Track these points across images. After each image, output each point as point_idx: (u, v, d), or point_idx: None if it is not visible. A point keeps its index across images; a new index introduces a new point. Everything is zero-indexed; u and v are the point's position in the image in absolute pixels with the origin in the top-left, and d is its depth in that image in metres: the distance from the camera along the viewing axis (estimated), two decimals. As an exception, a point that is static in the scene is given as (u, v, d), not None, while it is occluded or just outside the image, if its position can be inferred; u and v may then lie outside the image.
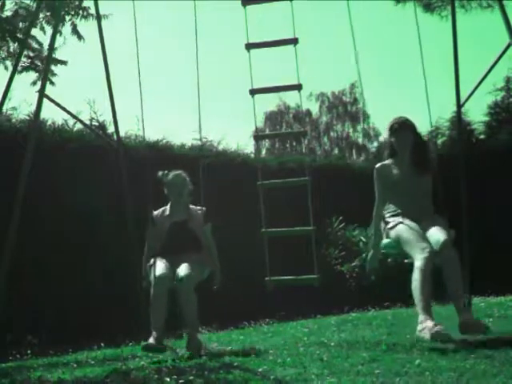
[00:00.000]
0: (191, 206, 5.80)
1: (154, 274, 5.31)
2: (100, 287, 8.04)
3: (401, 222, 5.02)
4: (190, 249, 5.55)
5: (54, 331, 7.00)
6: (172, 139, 10.29)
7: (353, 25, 5.50)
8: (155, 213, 5.78)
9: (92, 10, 9.45)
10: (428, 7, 10.83)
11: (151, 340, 5.18)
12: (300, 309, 8.47)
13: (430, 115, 5.73)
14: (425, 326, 4.61)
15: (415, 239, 4.87)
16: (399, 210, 5.14)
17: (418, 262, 4.79)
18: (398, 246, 5.12)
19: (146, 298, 5.52)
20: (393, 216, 5.16)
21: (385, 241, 5.23)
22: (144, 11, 6.63)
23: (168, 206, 5.81)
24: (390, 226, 5.10)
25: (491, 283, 9.34)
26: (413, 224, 4.98)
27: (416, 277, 4.80)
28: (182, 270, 5.32)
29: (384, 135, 5.03)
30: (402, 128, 5.16)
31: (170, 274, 5.35)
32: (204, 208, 5.78)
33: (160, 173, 5.87)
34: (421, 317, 4.71)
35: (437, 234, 4.88)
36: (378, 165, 5.27)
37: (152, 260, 5.48)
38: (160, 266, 5.36)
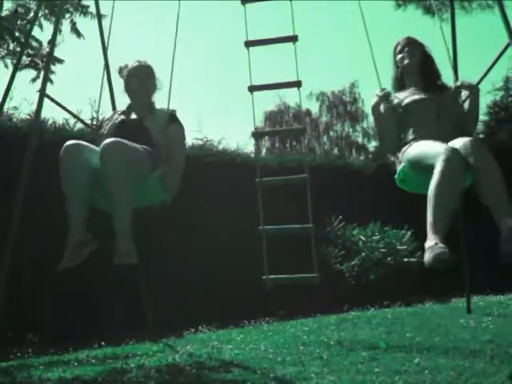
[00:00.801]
0: (157, 107, 4.60)
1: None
2: (100, 286, 8.04)
3: (414, 140, 4.15)
4: (141, 141, 4.22)
5: (54, 330, 7.00)
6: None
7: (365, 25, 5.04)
8: (107, 116, 4.76)
9: (91, 9, 9.47)
10: (428, 10, 10.89)
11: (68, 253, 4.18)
12: (300, 308, 8.47)
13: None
14: (431, 245, 3.49)
15: (434, 145, 3.81)
16: (415, 135, 4.21)
17: (443, 156, 3.63)
18: (415, 168, 4.07)
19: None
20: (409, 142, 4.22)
21: (401, 166, 4.20)
22: (145, 11, 6.63)
23: (126, 107, 4.65)
24: (405, 149, 4.18)
25: (490, 282, 9.36)
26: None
27: (438, 173, 3.61)
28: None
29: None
30: (411, 46, 4.49)
31: (90, 149, 4.11)
32: (174, 110, 4.51)
33: (118, 67, 4.81)
34: (432, 234, 3.58)
35: (461, 139, 3.80)
36: (376, 96, 4.35)
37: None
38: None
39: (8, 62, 9.99)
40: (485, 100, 14.48)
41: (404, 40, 4.55)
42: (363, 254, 9.85)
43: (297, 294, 8.35)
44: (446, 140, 3.85)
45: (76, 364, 5.08)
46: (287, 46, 6.12)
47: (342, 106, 36.68)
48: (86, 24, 9.72)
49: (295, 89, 6.01)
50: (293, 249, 8.52)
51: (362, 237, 10.14)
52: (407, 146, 4.17)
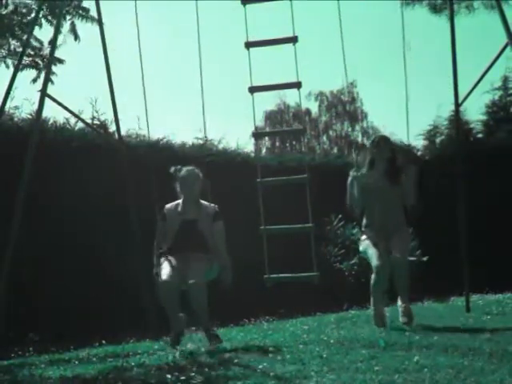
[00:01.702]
0: (203, 202, 5.83)
1: (160, 278, 5.46)
2: (101, 285, 8.06)
3: (367, 239, 6.03)
4: (199, 248, 5.62)
5: (55, 328, 7.02)
6: (173, 138, 10.33)
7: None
8: (167, 206, 5.84)
9: (92, 12, 9.48)
10: (434, 9, 10.94)
11: (173, 336, 5.56)
12: (299, 306, 8.50)
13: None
14: (374, 321, 5.92)
15: (375, 257, 5.85)
16: (373, 223, 6.04)
17: (374, 276, 5.88)
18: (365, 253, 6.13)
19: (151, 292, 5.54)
20: (366, 227, 6.14)
21: (360, 248, 6.24)
22: (146, 10, 6.65)
23: (180, 201, 5.83)
24: (362, 238, 6.19)
25: (489, 281, 9.39)
26: (375, 243, 5.94)
27: (372, 284, 5.94)
28: (191, 276, 5.41)
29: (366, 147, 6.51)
30: (383, 142, 6.07)
31: (176, 279, 5.43)
32: (216, 205, 5.83)
33: (172, 168, 5.86)
34: (372, 307, 5.99)
35: (395, 254, 5.83)
36: (353, 172, 6.10)
37: (162, 259, 5.63)
38: (166, 270, 5.48)
39: (9, 62, 10.02)
40: (483, 99, 14.52)
41: (380, 139, 6.21)
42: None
43: (297, 293, 8.38)
44: (394, 217, 5.99)
45: (77, 362, 5.09)
46: (287, 45, 6.15)
47: (341, 106, 36.67)
48: (87, 25, 9.77)
49: (295, 89, 6.05)
50: (293, 248, 8.55)
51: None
52: (362, 237, 6.17)
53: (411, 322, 5.79)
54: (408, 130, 6.68)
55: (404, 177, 6.02)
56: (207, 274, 5.59)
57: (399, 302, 5.95)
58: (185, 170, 5.82)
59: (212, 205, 5.83)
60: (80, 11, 9.67)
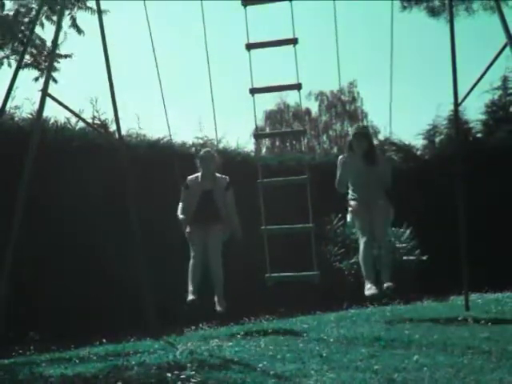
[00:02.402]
0: (217, 175, 7.15)
1: (192, 251, 6.89)
2: (102, 284, 8.07)
3: (357, 209, 6.84)
4: (215, 217, 6.98)
5: (55, 328, 7.03)
6: (173, 137, 10.33)
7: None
8: (189, 178, 7.18)
9: (90, 4, 9.50)
10: (432, 12, 10.96)
11: (190, 297, 6.57)
12: (300, 305, 8.52)
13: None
14: (367, 288, 6.45)
15: (361, 227, 6.80)
16: (356, 196, 6.87)
17: (361, 246, 6.73)
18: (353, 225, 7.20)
19: (151, 293, 5.52)
20: (352, 200, 6.93)
21: (348, 218, 7.16)
22: (148, 10, 6.67)
23: (199, 175, 7.15)
24: (349, 209, 7.00)
25: (489, 280, 9.40)
26: (363, 214, 6.78)
27: (360, 255, 6.76)
28: (211, 250, 6.86)
29: (348, 138, 7.40)
30: (361, 134, 6.94)
31: (200, 251, 6.88)
32: (227, 177, 7.13)
33: (194, 149, 8.31)
34: (365, 282, 6.55)
35: (376, 228, 6.74)
36: (341, 156, 7.02)
37: (188, 228, 7.00)
38: (195, 243, 6.92)
39: (12, 61, 10.04)
40: (483, 99, 14.51)
41: (358, 131, 7.06)
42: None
43: (297, 292, 8.39)
44: (373, 191, 6.75)
45: (77, 361, 5.10)
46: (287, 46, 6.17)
47: (341, 106, 36.70)
48: (88, 24, 9.79)
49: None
50: (293, 247, 8.57)
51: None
52: (350, 209, 6.98)
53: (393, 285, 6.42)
54: (391, 125, 7.50)
55: (381, 162, 6.99)
56: (223, 238, 7.03)
57: (383, 280, 6.57)
58: (203, 151, 7.37)
59: (224, 176, 7.15)
60: (79, 4, 9.67)
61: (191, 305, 6.53)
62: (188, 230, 7.04)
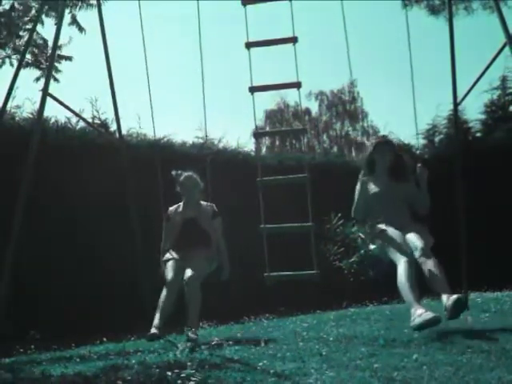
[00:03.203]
0: (202, 202, 6.43)
1: (166, 277, 5.99)
2: (102, 283, 8.09)
3: (384, 230, 5.64)
4: (200, 243, 6.19)
5: (57, 326, 7.05)
6: (173, 137, 10.36)
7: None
8: (170, 209, 6.46)
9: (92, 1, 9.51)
10: (433, 10, 10.99)
11: (153, 330, 5.68)
12: (299, 304, 8.54)
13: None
14: (418, 314, 5.04)
15: (397, 247, 5.51)
16: (380, 219, 5.77)
17: (401, 267, 5.37)
18: (383, 251, 5.73)
19: (151, 293, 5.57)
20: (376, 224, 5.78)
21: (372, 246, 5.92)
22: (148, 10, 6.68)
23: (182, 203, 6.45)
24: (375, 233, 5.78)
25: (488, 279, 9.42)
26: (395, 231, 5.60)
27: (400, 279, 5.33)
28: (189, 272, 5.91)
29: (366, 151, 6.52)
30: (384, 145, 6.02)
31: (179, 278, 5.92)
32: (213, 204, 6.42)
33: (173, 172, 6.47)
34: (412, 309, 5.16)
35: (414, 241, 5.54)
36: (362, 176, 5.99)
37: (166, 255, 6.22)
38: (171, 269, 6.03)
39: (14, 61, 10.06)
40: (482, 99, 14.55)
41: (381, 141, 6.12)
42: (362, 251, 9.89)
43: (296, 291, 8.41)
44: (400, 217, 5.71)
45: (78, 360, 5.11)
46: (287, 44, 6.17)
47: (341, 105, 36.70)
48: (89, 24, 9.80)
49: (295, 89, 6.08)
50: (293, 246, 8.58)
51: (360, 234, 10.20)
52: (375, 227, 5.77)
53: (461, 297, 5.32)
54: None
55: (412, 178, 5.94)
56: (207, 267, 6.16)
57: (442, 297, 5.35)
58: (184, 175, 6.41)
59: (210, 204, 6.42)
60: (79, 2, 9.70)
61: (151, 338, 5.69)
62: (166, 256, 6.27)
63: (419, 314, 5.02)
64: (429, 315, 4.95)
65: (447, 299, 5.19)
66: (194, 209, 6.36)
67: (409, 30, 6.33)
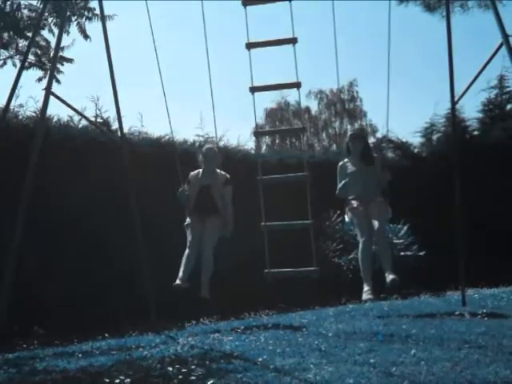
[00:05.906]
0: (218, 171, 7.27)
1: (188, 238, 6.93)
2: (104, 279, 8.12)
3: (355, 208, 6.99)
4: (212, 210, 7.06)
5: (59, 322, 7.07)
6: (174, 135, 10.37)
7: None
8: (191, 174, 7.30)
9: (97, 11, 9.55)
10: (428, 7, 10.98)
11: (178, 282, 6.47)
12: (299, 300, 8.57)
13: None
14: (364, 291, 6.59)
15: (360, 227, 6.96)
16: (354, 195, 7.03)
17: (360, 245, 6.87)
18: (352, 224, 7.40)
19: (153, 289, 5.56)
20: (351, 200, 7.09)
21: (346, 218, 7.33)
22: (150, 8, 6.72)
23: (201, 170, 7.28)
24: (348, 208, 7.16)
25: (485, 275, 9.47)
26: (361, 213, 6.95)
27: (359, 255, 6.90)
28: (205, 242, 6.89)
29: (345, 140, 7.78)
30: (357, 137, 7.49)
31: (197, 240, 6.90)
32: (227, 175, 7.23)
33: (197, 144, 9.21)
34: (364, 285, 6.66)
35: (374, 221, 6.86)
36: (340, 163, 7.32)
37: (187, 220, 7.06)
38: (190, 233, 6.95)
39: (17, 61, 10.08)
40: (480, 98, 14.58)
41: (354, 134, 7.98)
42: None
43: (296, 287, 8.45)
44: (370, 189, 6.97)
45: (80, 355, 5.14)
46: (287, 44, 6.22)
47: (341, 104, 36.64)
48: (92, 23, 9.85)
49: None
50: (293, 243, 8.62)
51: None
52: (348, 207, 7.14)
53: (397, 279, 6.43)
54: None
55: (378, 162, 7.21)
56: (219, 233, 7.07)
57: (386, 274, 6.56)
58: (206, 147, 7.48)
59: (224, 173, 7.25)
60: (85, 12, 9.74)
61: (176, 289, 6.43)
62: (187, 221, 7.07)
63: (365, 290, 6.57)
64: (366, 296, 6.54)
65: (387, 276, 6.47)
66: (210, 176, 7.17)
67: (390, 25, 6.66)
